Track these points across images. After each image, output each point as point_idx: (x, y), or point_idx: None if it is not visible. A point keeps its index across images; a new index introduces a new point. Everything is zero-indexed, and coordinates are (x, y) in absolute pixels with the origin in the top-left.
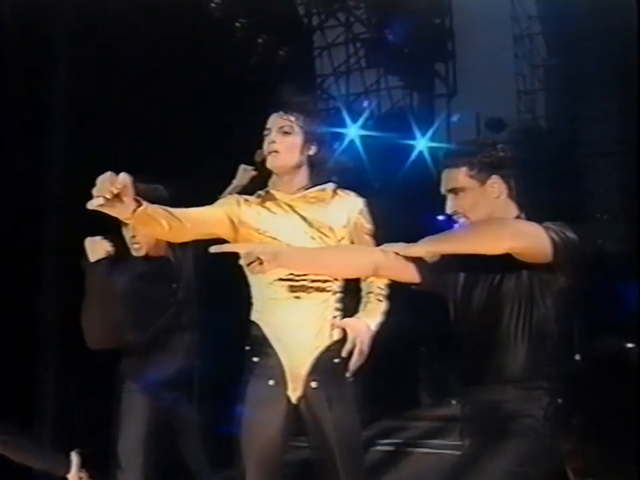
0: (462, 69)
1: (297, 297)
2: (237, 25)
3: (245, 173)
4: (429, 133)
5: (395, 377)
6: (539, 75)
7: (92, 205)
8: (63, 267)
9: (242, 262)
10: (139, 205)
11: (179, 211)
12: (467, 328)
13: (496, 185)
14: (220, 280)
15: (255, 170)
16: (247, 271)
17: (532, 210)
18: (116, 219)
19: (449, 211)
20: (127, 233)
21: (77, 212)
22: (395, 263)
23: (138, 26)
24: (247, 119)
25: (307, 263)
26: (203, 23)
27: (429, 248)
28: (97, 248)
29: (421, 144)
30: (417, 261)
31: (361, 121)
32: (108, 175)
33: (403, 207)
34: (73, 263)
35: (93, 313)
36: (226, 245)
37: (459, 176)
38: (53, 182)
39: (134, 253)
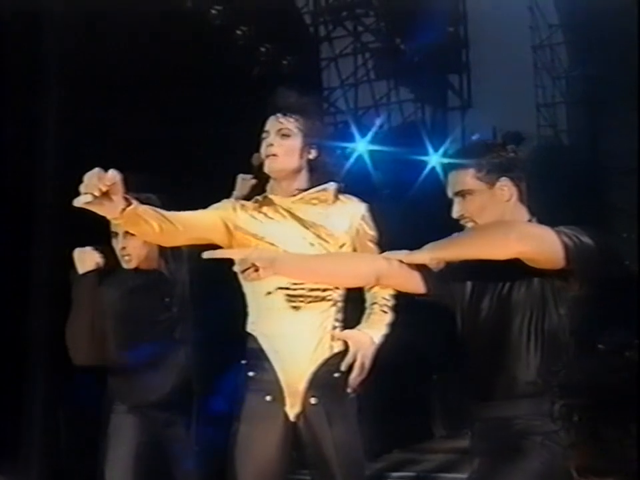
0: (477, 81)
1: (295, 307)
2: (239, 32)
3: (244, 183)
4: (442, 148)
5: (406, 407)
6: (561, 86)
7: (79, 202)
8: (52, 279)
9: (236, 268)
10: (129, 203)
11: (171, 214)
12: (475, 340)
13: (505, 188)
14: (216, 292)
15: (253, 177)
16: (241, 279)
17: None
18: (106, 229)
19: (455, 215)
20: (117, 244)
21: (67, 222)
22: (398, 271)
23: (137, 33)
24: (248, 129)
25: (304, 270)
26: (203, 31)
27: (433, 254)
28: (86, 259)
29: (434, 160)
30: (422, 269)
31: (369, 136)
32: (96, 170)
33: (413, 224)
34: (63, 276)
35: (79, 327)
36: (219, 250)
37: (466, 178)
38: (43, 190)
39: (124, 265)
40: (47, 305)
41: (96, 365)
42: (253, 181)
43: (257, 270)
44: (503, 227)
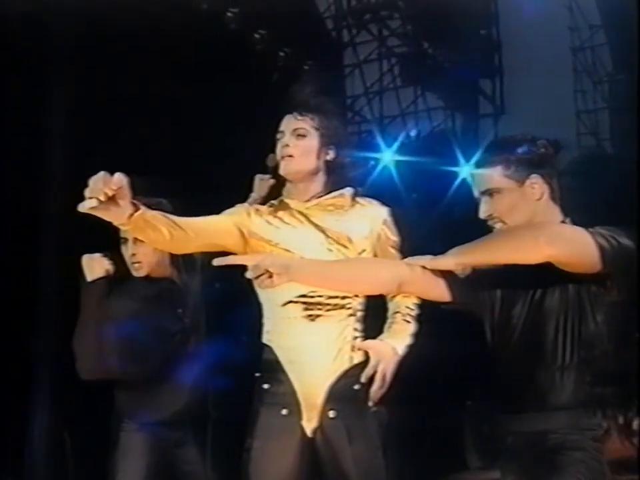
0: (510, 86)
1: (313, 316)
2: (256, 36)
3: (262, 183)
4: (474, 158)
5: (437, 434)
6: (603, 91)
7: (83, 207)
8: (59, 287)
9: (249, 275)
10: (137, 209)
11: (182, 219)
12: (506, 350)
13: (536, 186)
14: (231, 303)
15: (272, 178)
16: (255, 286)
17: None
18: (116, 235)
19: (482, 215)
20: (126, 251)
21: (75, 228)
22: (421, 278)
23: (150, 36)
24: (265, 135)
25: (322, 277)
26: (219, 34)
27: (458, 259)
28: (95, 266)
29: (465, 170)
30: (447, 275)
31: (395, 146)
32: (102, 174)
33: (440, 232)
34: (71, 284)
35: (87, 338)
36: (231, 256)
37: (493, 175)
38: (50, 194)
39: (134, 273)
40: (54, 314)
41: (104, 379)
42: (272, 181)
43: (270, 276)
44: (532, 228)
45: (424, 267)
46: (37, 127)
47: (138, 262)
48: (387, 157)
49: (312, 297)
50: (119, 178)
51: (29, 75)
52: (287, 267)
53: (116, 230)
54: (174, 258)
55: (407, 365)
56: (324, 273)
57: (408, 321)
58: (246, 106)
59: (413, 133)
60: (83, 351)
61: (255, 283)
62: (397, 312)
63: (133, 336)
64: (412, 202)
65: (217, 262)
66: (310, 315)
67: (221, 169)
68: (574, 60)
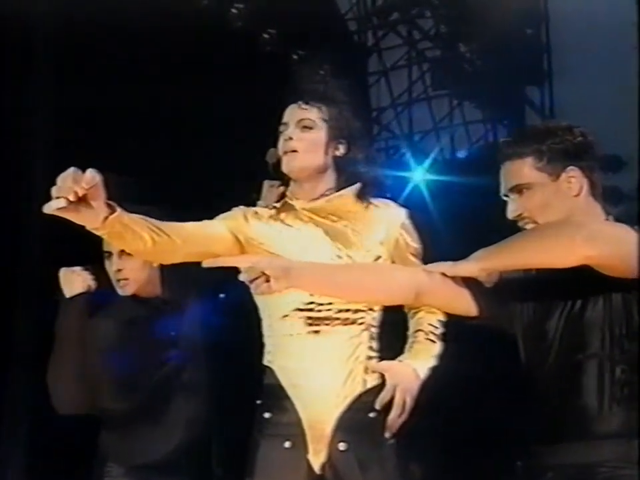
0: (561, 93)
1: (319, 332)
2: (265, 36)
3: (271, 190)
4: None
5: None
6: None
7: (50, 208)
8: (38, 307)
9: (242, 277)
10: (112, 211)
11: (167, 224)
12: (543, 371)
13: (574, 179)
14: (233, 325)
15: (281, 184)
16: (255, 297)
17: None
18: (98, 248)
19: (511, 215)
20: (110, 266)
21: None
22: (442, 287)
23: (147, 34)
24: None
25: (326, 282)
26: (220, 33)
27: (483, 264)
28: (74, 280)
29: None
30: (472, 285)
31: (428, 163)
32: (71, 171)
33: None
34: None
35: (65, 365)
36: (222, 257)
37: (523, 169)
38: (30, 205)
39: (120, 292)
40: (29, 336)
41: (84, 414)
42: (282, 189)
43: (267, 280)
44: (568, 226)
45: (444, 275)
46: (17, 130)
47: (124, 278)
48: (418, 176)
49: (319, 310)
50: (92, 175)
51: (11, 77)
52: (286, 269)
53: (99, 241)
54: (166, 274)
55: (430, 390)
56: (329, 278)
57: (432, 340)
58: (249, 109)
59: (447, 150)
60: (60, 380)
61: (251, 288)
62: (420, 330)
63: (118, 364)
64: (445, 227)
65: (206, 263)
66: (316, 331)
67: (218, 175)
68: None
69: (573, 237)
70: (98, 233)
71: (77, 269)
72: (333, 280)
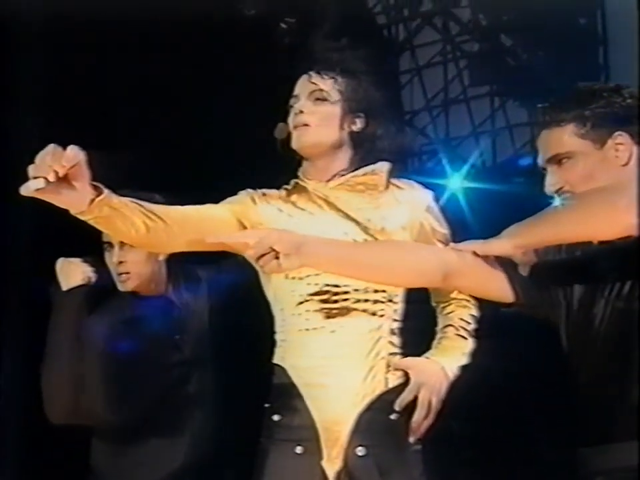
0: None
1: (335, 324)
2: (283, 26)
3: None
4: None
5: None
6: None
7: (27, 189)
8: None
9: (249, 254)
10: (99, 193)
11: (163, 208)
12: (588, 361)
13: (622, 147)
14: (244, 329)
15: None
16: (266, 291)
17: None
18: (98, 238)
19: (550, 188)
20: (110, 258)
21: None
22: (473, 268)
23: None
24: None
25: (342, 261)
26: (234, 21)
27: (517, 240)
28: (72, 272)
29: (558, 201)
30: (507, 266)
31: (465, 169)
32: (51, 147)
33: None
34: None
35: (59, 369)
36: (226, 233)
37: (563, 136)
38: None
39: (120, 287)
40: (21, 337)
41: (80, 425)
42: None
43: (277, 257)
44: (609, 192)
45: (475, 254)
46: (4, 119)
47: (125, 272)
48: (455, 184)
49: (334, 300)
50: (73, 152)
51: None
52: (298, 245)
53: (98, 232)
54: (172, 271)
55: (460, 391)
56: (346, 256)
57: (463, 337)
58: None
59: (488, 155)
60: (53, 384)
61: (258, 265)
62: (449, 325)
63: (117, 369)
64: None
65: (209, 239)
66: (331, 323)
67: (222, 157)
68: None
69: (615, 203)
70: (84, 218)
71: (76, 260)
72: (351, 258)
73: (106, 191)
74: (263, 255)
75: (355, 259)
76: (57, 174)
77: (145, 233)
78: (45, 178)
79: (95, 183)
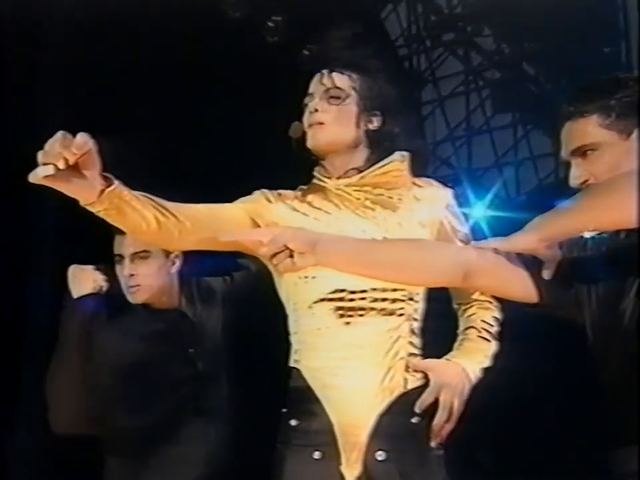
0: None
1: (351, 324)
2: (306, 53)
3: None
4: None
5: None
6: None
7: (36, 176)
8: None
9: (262, 251)
10: (109, 183)
11: (175, 205)
12: (617, 363)
13: None
14: (260, 343)
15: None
16: (279, 290)
17: None
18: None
19: (574, 182)
20: (121, 270)
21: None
22: (495, 267)
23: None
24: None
25: (360, 259)
26: (252, 46)
27: (541, 233)
28: (84, 279)
29: (586, 233)
30: (531, 266)
31: (489, 199)
32: (60, 134)
33: None
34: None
35: (64, 374)
36: (239, 230)
37: (587, 127)
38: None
39: (130, 299)
40: (39, 347)
41: (86, 435)
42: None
43: (291, 255)
44: (634, 176)
45: (497, 251)
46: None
47: (136, 285)
48: (478, 212)
49: (350, 299)
50: (83, 140)
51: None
52: (313, 243)
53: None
54: (184, 284)
55: (484, 394)
56: (363, 254)
57: (486, 339)
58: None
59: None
60: (58, 394)
61: (271, 264)
62: (471, 327)
63: (126, 384)
64: None
65: (223, 237)
66: (347, 323)
67: (237, 157)
68: None
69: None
70: (94, 210)
71: (89, 267)
72: (368, 256)
73: (116, 182)
74: (277, 253)
75: (372, 258)
76: (67, 161)
77: (156, 228)
78: (55, 165)
79: (105, 174)
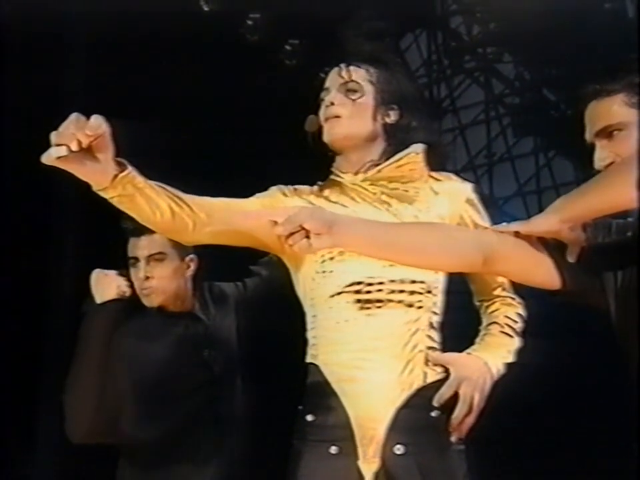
0: None
1: (369, 316)
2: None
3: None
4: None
5: None
6: None
7: (49, 157)
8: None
9: (278, 230)
10: (122, 169)
11: (190, 196)
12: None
13: None
14: (276, 346)
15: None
16: (296, 286)
17: None
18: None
19: (599, 164)
20: (136, 273)
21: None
22: (516, 251)
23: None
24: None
25: (378, 242)
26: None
27: (564, 214)
28: (107, 285)
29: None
30: (554, 251)
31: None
32: (74, 116)
33: None
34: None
35: (84, 382)
36: (254, 210)
37: (612, 107)
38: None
39: (145, 302)
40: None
41: (102, 444)
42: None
43: (307, 236)
44: None
45: (518, 235)
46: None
47: (150, 287)
48: None
49: (368, 291)
50: (97, 122)
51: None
52: (330, 224)
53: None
54: (198, 287)
55: (506, 389)
56: (381, 236)
57: (508, 334)
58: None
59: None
60: (76, 403)
61: (287, 244)
62: (494, 322)
63: (141, 388)
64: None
65: (237, 218)
66: (366, 314)
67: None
68: None
69: None
70: (107, 196)
71: (112, 272)
72: (385, 238)
73: (130, 168)
74: (292, 234)
75: (390, 240)
76: (80, 143)
77: (170, 218)
78: (68, 146)
79: (119, 159)
